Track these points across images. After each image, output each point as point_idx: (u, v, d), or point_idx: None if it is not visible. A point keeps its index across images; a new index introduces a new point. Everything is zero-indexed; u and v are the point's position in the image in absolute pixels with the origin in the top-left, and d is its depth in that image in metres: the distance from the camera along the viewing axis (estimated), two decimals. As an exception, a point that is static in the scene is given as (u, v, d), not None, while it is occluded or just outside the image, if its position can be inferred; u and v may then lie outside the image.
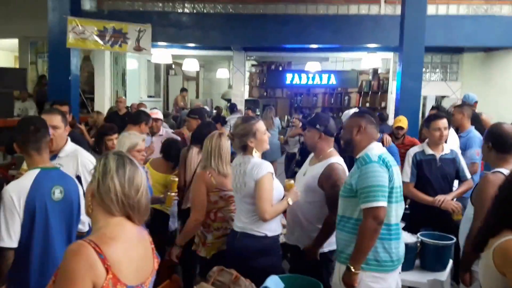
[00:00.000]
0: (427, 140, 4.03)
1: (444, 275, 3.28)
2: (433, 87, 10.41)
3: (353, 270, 2.56)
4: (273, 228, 2.93)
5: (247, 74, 12.40)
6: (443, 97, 10.61)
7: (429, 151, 3.91)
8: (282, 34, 9.36)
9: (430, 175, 3.82)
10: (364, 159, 2.64)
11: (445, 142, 4.03)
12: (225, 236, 3.16)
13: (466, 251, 2.84)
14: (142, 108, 6.92)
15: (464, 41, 9.56)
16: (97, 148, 4.12)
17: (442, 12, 9.65)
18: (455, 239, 3.29)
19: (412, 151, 4.01)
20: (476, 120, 5.25)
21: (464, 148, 4.62)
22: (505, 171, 2.74)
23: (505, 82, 9.75)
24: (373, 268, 2.60)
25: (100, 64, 10.31)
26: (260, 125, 3.01)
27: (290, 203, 2.92)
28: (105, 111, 9.13)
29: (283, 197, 2.98)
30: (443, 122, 3.89)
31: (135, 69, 11.90)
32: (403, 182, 3.85)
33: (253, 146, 2.95)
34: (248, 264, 2.83)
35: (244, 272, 2.67)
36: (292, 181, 3.05)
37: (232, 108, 9.76)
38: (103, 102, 10.23)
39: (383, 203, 2.52)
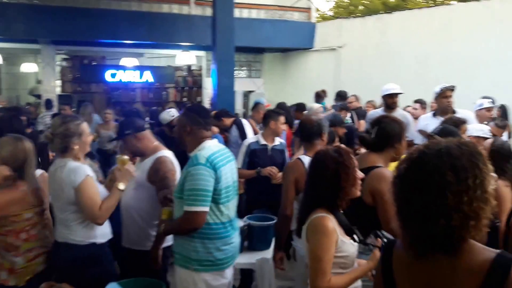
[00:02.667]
0: (262, 132, 4.31)
1: (270, 253, 3.42)
2: (241, 83, 11.02)
3: (161, 228, 2.61)
4: (101, 234, 2.66)
5: (58, 69, 11.24)
6: (250, 92, 11.34)
7: (262, 141, 4.18)
8: (95, 28, 8.76)
9: (262, 163, 4.06)
10: (193, 160, 2.50)
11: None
12: (40, 256, 2.68)
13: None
14: None
15: (264, 42, 10.36)
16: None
17: (245, 15, 10.25)
18: (276, 218, 3.48)
19: (247, 141, 4.28)
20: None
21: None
22: (302, 157, 3.13)
23: (300, 79, 10.93)
24: (210, 268, 2.52)
25: None
26: (85, 126, 2.72)
27: (122, 187, 2.63)
28: None
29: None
30: (284, 118, 4.30)
31: None
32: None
33: (77, 149, 2.63)
34: (77, 276, 2.51)
35: (75, 285, 2.37)
36: (125, 157, 2.74)
37: (48, 105, 8.71)
38: None
39: (203, 208, 2.42)
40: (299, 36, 10.60)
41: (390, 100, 5.14)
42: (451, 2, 14.07)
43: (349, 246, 2.05)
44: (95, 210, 2.52)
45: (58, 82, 11.23)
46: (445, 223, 1.18)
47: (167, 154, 3.02)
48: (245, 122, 5.57)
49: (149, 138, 3.04)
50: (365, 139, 2.63)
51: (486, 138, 3.50)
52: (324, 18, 16.04)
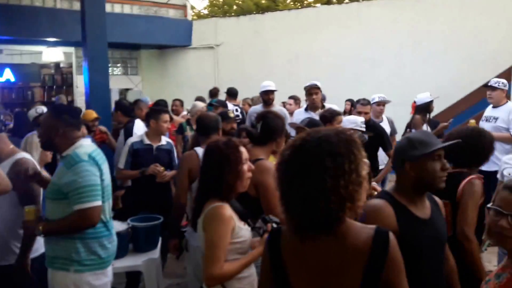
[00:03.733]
0: (146, 131, 4.16)
1: (156, 253, 3.40)
2: (117, 81, 10.58)
3: (40, 228, 2.39)
4: None
5: None
6: (127, 89, 10.93)
7: (147, 141, 4.02)
8: None
9: (146, 163, 3.91)
10: (73, 158, 2.38)
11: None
12: None
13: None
14: None
15: (140, 39, 10.05)
16: None
17: (117, 10, 9.83)
18: (162, 218, 3.45)
19: (130, 140, 4.06)
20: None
21: None
22: (198, 149, 3.22)
23: (179, 76, 10.86)
24: (94, 267, 2.44)
25: None
26: None
27: None
28: None
29: None
30: (168, 116, 4.12)
31: None
32: (118, 169, 3.90)
33: None
34: None
35: None
36: None
37: None
38: None
39: (97, 203, 2.37)
40: (176, 33, 10.51)
41: (266, 97, 5.47)
42: (317, 4, 15.20)
43: (245, 231, 2.13)
44: None
45: None
46: (324, 205, 1.28)
47: (27, 156, 2.85)
48: (138, 127, 5.04)
49: (4, 141, 2.83)
50: (251, 133, 2.75)
51: (359, 131, 3.78)
52: (199, 16, 16.14)
